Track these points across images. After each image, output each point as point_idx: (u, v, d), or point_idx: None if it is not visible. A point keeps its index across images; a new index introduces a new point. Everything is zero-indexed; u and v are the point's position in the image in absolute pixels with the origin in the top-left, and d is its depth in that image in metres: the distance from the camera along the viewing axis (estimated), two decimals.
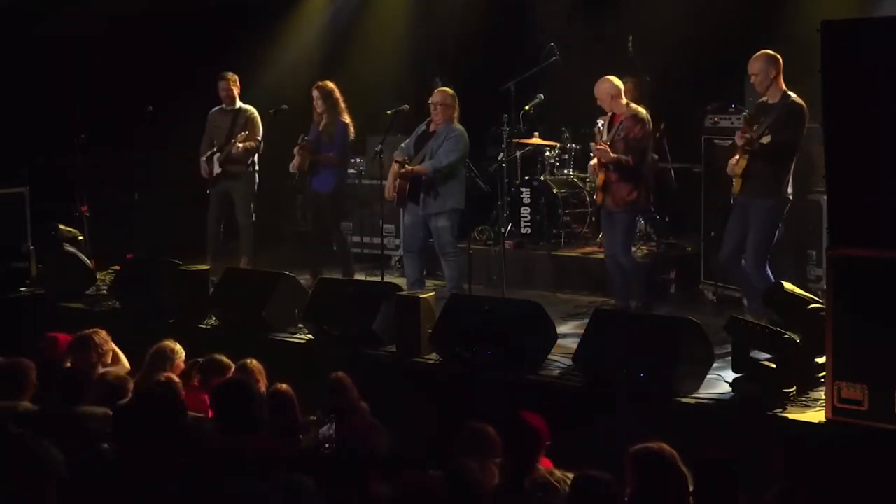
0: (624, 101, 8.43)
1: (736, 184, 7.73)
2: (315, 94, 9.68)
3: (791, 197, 7.73)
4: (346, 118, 9.69)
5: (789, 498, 4.40)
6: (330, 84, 9.73)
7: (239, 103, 10.32)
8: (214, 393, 5.60)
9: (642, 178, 8.38)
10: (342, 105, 9.69)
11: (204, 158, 10.28)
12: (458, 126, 8.97)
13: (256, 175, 10.26)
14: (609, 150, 8.40)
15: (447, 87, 9.35)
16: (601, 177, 8.47)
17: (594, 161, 8.66)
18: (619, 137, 8.39)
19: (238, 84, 10.32)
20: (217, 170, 10.24)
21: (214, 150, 10.23)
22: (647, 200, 8.47)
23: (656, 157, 8.47)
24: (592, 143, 9.09)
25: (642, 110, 8.41)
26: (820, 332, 5.97)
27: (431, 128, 9.04)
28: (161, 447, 4.63)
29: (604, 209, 8.61)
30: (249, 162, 10.20)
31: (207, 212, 10.37)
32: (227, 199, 10.32)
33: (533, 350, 7.23)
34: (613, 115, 8.50)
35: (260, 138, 10.19)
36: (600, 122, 8.59)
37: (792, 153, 7.63)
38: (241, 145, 10.03)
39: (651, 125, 8.44)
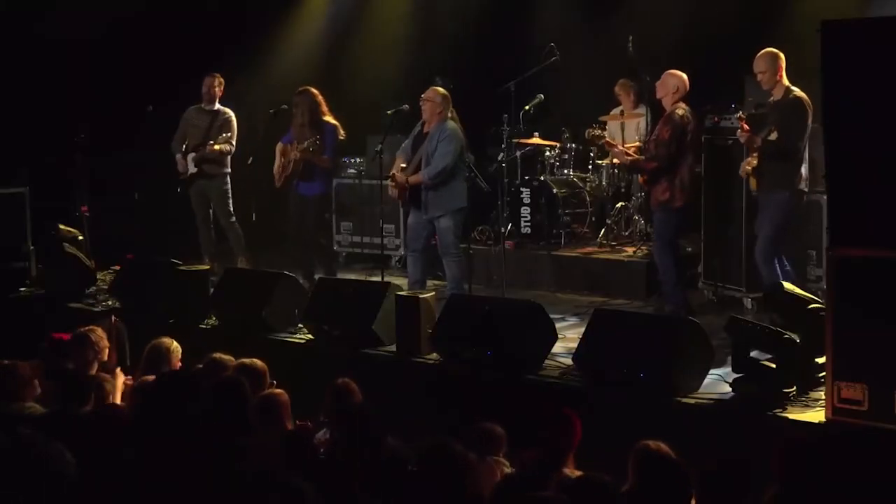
0: (673, 98, 8.42)
1: (752, 182, 7.89)
2: (295, 100, 9.67)
3: (806, 190, 7.79)
4: (332, 119, 9.71)
5: (786, 499, 4.41)
6: (312, 90, 9.72)
7: (218, 105, 10.33)
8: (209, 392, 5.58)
9: (676, 178, 8.31)
10: (325, 108, 9.69)
11: (180, 156, 10.30)
12: (449, 124, 8.88)
13: (229, 178, 10.31)
14: (625, 152, 8.67)
15: (443, 87, 9.35)
16: (641, 177, 8.68)
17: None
18: (651, 138, 8.53)
19: (223, 87, 10.34)
20: (192, 169, 10.27)
21: (188, 149, 10.26)
22: (682, 200, 8.36)
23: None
24: (609, 144, 9.21)
25: (679, 111, 8.31)
26: (820, 332, 5.96)
27: (425, 129, 9.03)
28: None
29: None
30: (225, 164, 10.25)
31: (194, 215, 10.41)
32: (206, 200, 10.37)
33: (533, 350, 7.23)
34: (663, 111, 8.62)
35: (234, 141, 10.24)
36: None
37: (799, 147, 7.71)
38: (217, 147, 10.07)
39: (687, 124, 8.32)
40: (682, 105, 8.35)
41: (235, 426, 5.10)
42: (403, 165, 9.01)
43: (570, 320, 8.64)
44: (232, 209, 10.36)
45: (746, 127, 7.79)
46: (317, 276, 9.55)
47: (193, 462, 4.60)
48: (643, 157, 8.47)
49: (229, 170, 10.33)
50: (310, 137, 9.51)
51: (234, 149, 10.24)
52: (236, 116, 10.36)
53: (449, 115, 8.91)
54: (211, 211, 10.41)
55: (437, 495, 4.35)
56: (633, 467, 4.63)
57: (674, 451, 4.69)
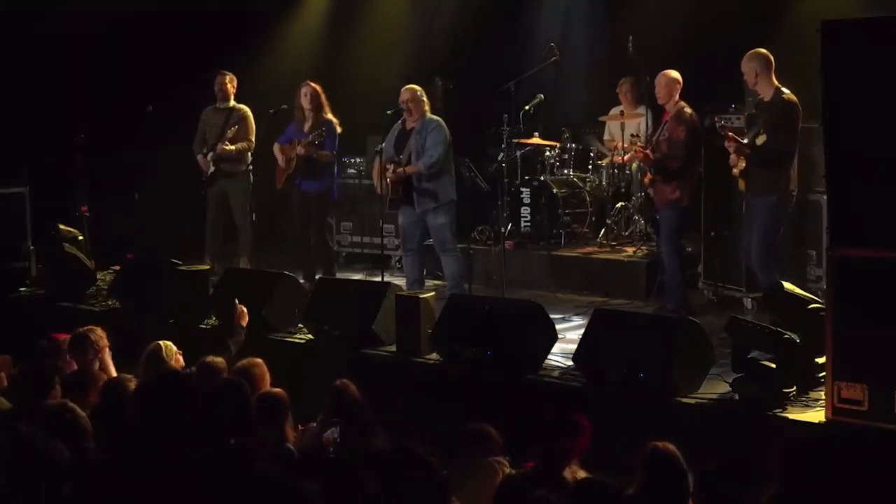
0: (676, 97, 8.46)
1: (741, 182, 7.84)
2: (304, 90, 9.71)
3: (794, 192, 7.77)
4: (332, 116, 9.74)
5: (786, 499, 4.41)
6: (315, 84, 9.79)
7: (232, 102, 10.33)
8: (209, 393, 5.57)
9: (686, 178, 8.42)
10: (326, 105, 9.73)
11: (201, 156, 10.29)
12: (434, 117, 9.01)
13: (251, 175, 10.28)
14: (650, 155, 8.58)
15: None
16: (648, 176, 8.63)
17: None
18: (662, 138, 8.53)
19: (234, 84, 10.33)
20: (211, 168, 10.24)
21: (208, 148, 10.25)
22: (689, 199, 8.46)
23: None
24: (634, 146, 9.21)
25: (687, 110, 8.41)
26: (820, 332, 5.97)
27: (408, 126, 9.08)
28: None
29: (654, 207, 8.77)
30: (245, 162, 10.22)
31: (206, 213, 10.38)
32: (224, 200, 10.32)
33: (533, 350, 7.23)
34: (663, 111, 8.60)
35: (253, 138, 10.21)
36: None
37: (788, 150, 7.67)
38: (231, 147, 10.06)
39: (698, 123, 8.40)
40: (685, 104, 8.41)
41: (235, 426, 5.10)
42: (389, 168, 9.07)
43: (571, 320, 8.64)
44: (250, 209, 10.28)
45: (732, 135, 7.75)
46: (317, 276, 9.56)
47: (193, 462, 4.60)
48: (663, 157, 8.48)
49: (251, 167, 10.30)
50: (313, 132, 9.54)
51: (252, 145, 10.23)
52: None
53: (427, 108, 9.02)
54: (223, 212, 10.37)
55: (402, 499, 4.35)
56: (642, 468, 4.62)
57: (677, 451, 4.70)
